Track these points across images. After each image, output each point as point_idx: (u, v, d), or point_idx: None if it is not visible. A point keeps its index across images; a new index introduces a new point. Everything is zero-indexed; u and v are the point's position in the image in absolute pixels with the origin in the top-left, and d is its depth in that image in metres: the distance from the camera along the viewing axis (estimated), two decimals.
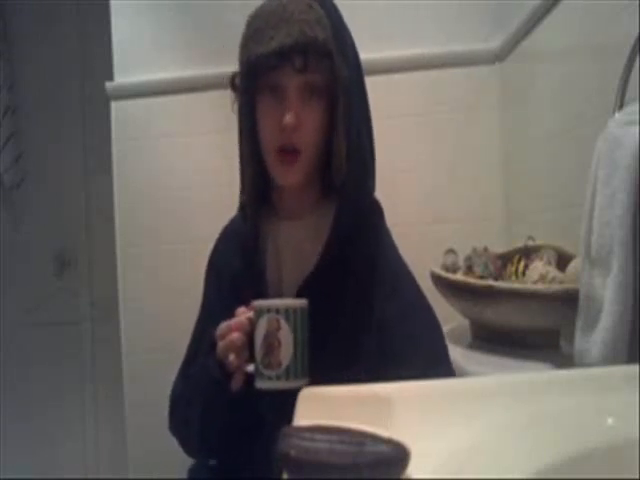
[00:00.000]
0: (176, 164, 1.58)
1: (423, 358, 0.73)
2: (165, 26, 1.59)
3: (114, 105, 1.60)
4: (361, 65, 0.78)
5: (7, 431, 2.09)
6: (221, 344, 0.67)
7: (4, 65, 2.09)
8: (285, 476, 0.31)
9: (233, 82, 0.77)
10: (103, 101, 1.61)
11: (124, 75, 1.60)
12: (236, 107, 0.77)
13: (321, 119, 0.73)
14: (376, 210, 0.84)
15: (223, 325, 0.68)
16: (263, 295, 0.73)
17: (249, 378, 0.66)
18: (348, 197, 0.76)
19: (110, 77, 1.60)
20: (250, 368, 0.67)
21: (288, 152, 0.73)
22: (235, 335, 0.65)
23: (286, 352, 0.63)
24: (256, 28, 0.70)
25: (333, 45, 0.69)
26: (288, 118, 0.70)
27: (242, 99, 0.76)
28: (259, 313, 0.64)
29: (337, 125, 0.72)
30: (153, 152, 1.59)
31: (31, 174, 2.17)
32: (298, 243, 0.79)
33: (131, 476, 1.54)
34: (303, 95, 0.71)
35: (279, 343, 0.63)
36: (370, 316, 0.75)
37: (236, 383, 0.67)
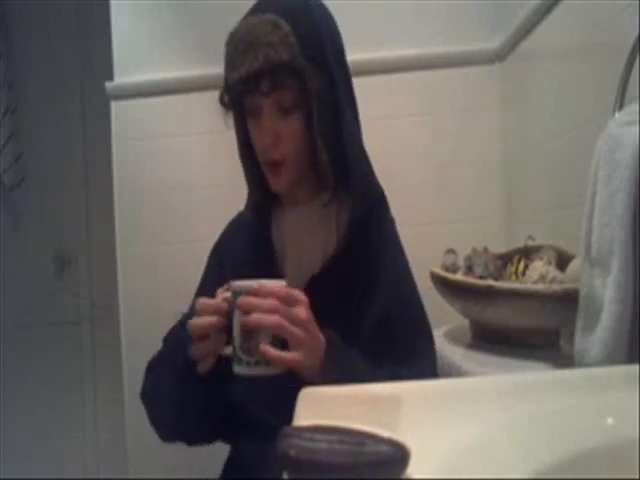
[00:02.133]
0: (176, 164, 1.58)
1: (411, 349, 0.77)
2: (165, 26, 1.59)
3: (114, 105, 1.60)
4: (347, 65, 0.81)
5: (7, 431, 2.09)
6: (197, 323, 0.63)
7: (4, 65, 2.09)
8: (285, 476, 0.31)
9: (222, 99, 0.80)
10: (103, 101, 1.61)
11: (124, 75, 1.60)
12: (229, 121, 0.83)
13: (300, 129, 0.76)
14: (382, 200, 0.86)
15: (201, 301, 0.65)
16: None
17: (227, 361, 0.64)
18: (361, 193, 0.79)
19: (110, 77, 1.60)
20: (227, 351, 0.65)
21: (271, 164, 0.78)
22: (210, 319, 0.63)
23: (266, 337, 0.61)
24: (231, 53, 0.74)
25: (302, 60, 0.71)
26: (265, 140, 0.75)
27: (233, 116, 0.81)
28: (236, 295, 0.62)
29: (315, 138, 0.75)
30: (153, 152, 1.59)
31: (31, 174, 2.17)
32: (299, 227, 0.83)
33: (131, 476, 1.54)
34: (276, 113, 0.75)
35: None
36: (371, 307, 0.77)
37: (203, 367, 0.65)
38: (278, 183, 0.80)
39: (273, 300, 0.60)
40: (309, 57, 0.71)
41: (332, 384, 0.47)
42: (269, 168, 0.78)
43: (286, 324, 0.60)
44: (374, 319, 0.76)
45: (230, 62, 0.74)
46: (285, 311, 0.60)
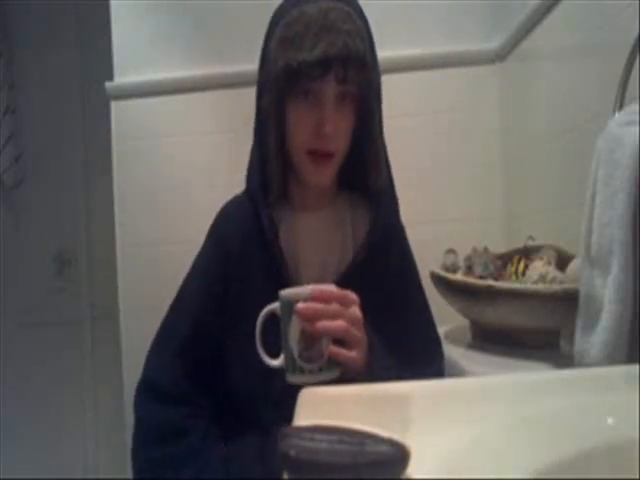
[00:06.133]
0: (176, 164, 1.58)
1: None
2: (165, 26, 1.59)
3: (114, 105, 1.60)
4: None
5: (7, 431, 2.09)
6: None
7: (4, 65, 2.09)
8: (285, 476, 0.31)
9: (273, 81, 0.74)
10: (103, 101, 1.61)
11: (124, 75, 1.60)
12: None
13: (351, 125, 0.76)
14: (398, 205, 0.87)
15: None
16: (284, 283, 0.74)
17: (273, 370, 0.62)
18: (385, 196, 0.80)
19: (110, 77, 1.60)
20: (277, 363, 0.62)
21: (321, 155, 0.74)
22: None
23: (327, 341, 0.59)
24: (296, 33, 0.69)
25: (370, 57, 0.71)
26: (327, 128, 0.71)
27: (273, 99, 0.74)
28: (286, 304, 0.60)
29: (372, 132, 0.75)
30: (153, 152, 1.59)
31: (31, 174, 2.17)
32: (315, 233, 0.81)
33: (131, 476, 1.53)
34: (338, 103, 0.73)
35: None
36: (391, 315, 0.77)
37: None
38: (323, 175, 0.77)
39: (335, 304, 0.60)
40: (371, 57, 0.72)
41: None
42: (318, 158, 0.74)
43: (351, 327, 0.60)
44: (393, 326, 0.75)
45: (296, 42, 0.68)
46: (347, 314, 0.60)
